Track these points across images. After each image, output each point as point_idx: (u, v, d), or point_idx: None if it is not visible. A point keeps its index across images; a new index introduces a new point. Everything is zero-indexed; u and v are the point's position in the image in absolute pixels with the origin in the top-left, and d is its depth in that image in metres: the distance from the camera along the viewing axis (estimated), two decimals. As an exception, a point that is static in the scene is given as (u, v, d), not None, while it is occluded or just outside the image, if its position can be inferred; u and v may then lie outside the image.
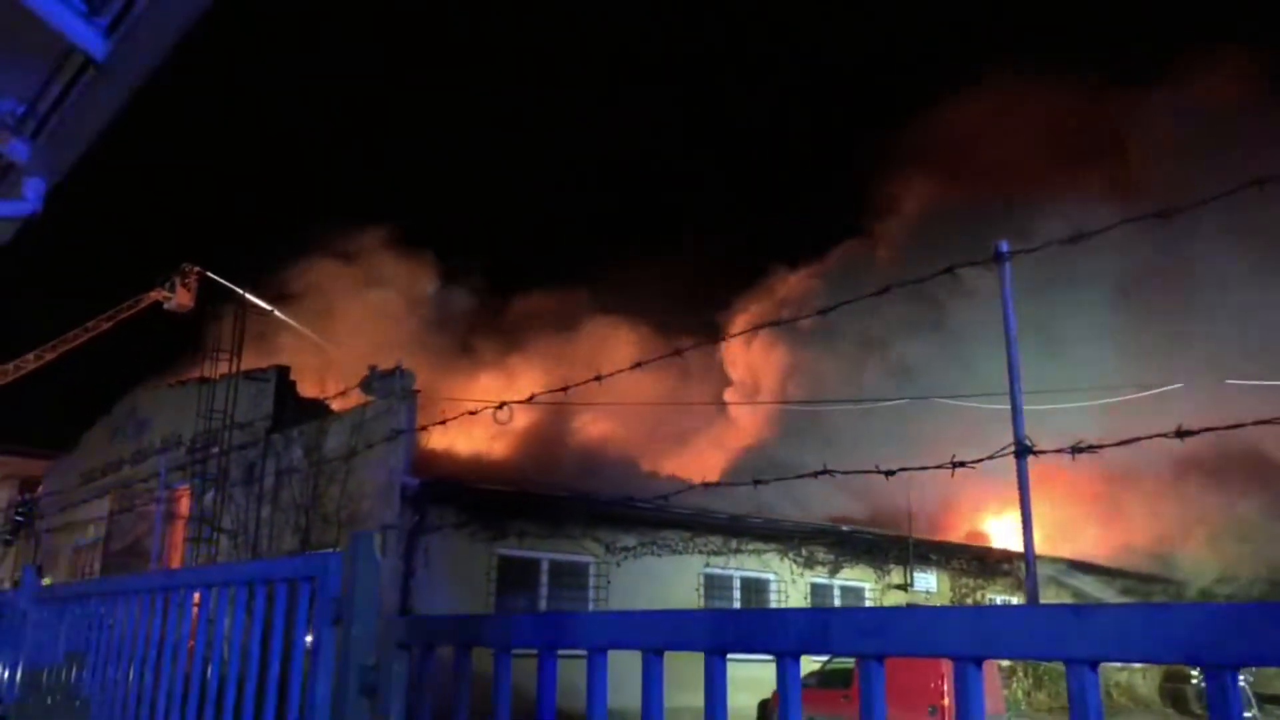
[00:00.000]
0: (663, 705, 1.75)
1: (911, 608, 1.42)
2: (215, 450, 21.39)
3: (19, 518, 34.83)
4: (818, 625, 1.50)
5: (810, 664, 18.71)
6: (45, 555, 31.42)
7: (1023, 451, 6.94)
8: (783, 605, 22.05)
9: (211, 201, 68.55)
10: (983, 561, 26.09)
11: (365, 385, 17.23)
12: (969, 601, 26.04)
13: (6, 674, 4.59)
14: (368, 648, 2.53)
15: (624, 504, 19.05)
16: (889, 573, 24.06)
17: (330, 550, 3.95)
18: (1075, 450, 6.37)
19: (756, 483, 7.17)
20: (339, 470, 17.65)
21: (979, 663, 1.34)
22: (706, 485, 7.87)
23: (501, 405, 13.95)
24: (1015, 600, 28.03)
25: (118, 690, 3.79)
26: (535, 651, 2.00)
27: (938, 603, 24.11)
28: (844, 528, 22.91)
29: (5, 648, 4.51)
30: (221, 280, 34.52)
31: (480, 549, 17.71)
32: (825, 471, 6.75)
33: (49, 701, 4.35)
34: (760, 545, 21.82)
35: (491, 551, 17.90)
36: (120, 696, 3.77)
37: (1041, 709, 25.38)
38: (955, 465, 6.48)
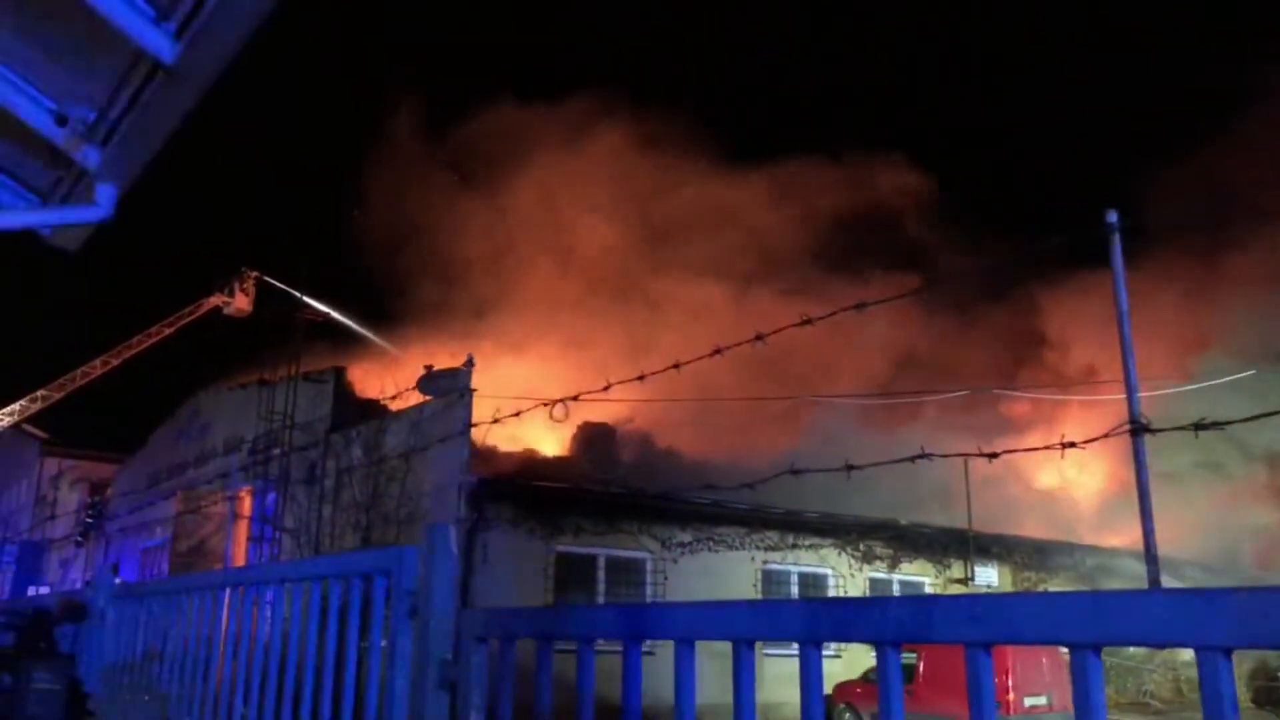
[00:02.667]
0: (755, 698, 1.72)
1: (1024, 593, 1.36)
2: (276, 451, 21.76)
3: (89, 520, 35.78)
4: (920, 613, 1.45)
5: (867, 659, 18.51)
6: (115, 556, 32.23)
7: (1139, 430, 6.47)
8: (841, 600, 21.83)
9: (274, 203, 69.65)
10: (1044, 553, 25.61)
11: (422, 384, 17.40)
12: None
13: (88, 672, 4.69)
14: (446, 641, 2.53)
15: (680, 500, 19.02)
16: (949, 567, 23.73)
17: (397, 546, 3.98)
18: (1199, 427, 5.98)
19: (850, 468, 7.01)
20: (398, 469, 17.85)
21: (1098, 650, 1.28)
22: (796, 473, 7.62)
23: (555, 403, 13.96)
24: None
25: (196, 686, 3.85)
26: (611, 646, 1.99)
27: (1000, 597, 23.69)
28: (902, 521, 22.62)
29: (86, 646, 4.61)
30: (279, 284, 35.08)
31: (538, 545, 17.80)
32: (924, 455, 6.54)
33: (129, 699, 4.44)
34: (818, 540, 21.65)
35: (549, 548, 17.98)
36: (199, 692, 3.83)
37: (1108, 704, 24.79)
38: (1065, 446, 6.19)
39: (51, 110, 4.16)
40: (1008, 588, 24.61)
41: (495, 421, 13.63)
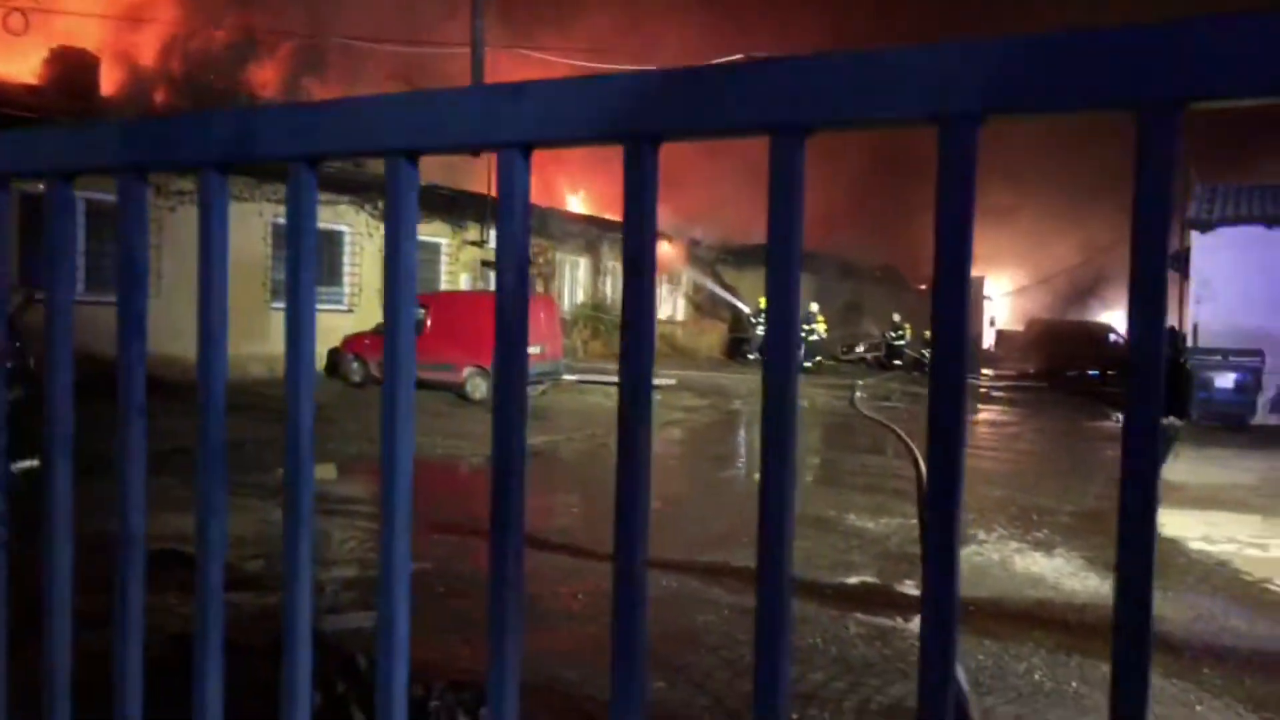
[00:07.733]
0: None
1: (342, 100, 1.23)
2: None
3: None
4: (245, 129, 1.27)
5: (378, 315, 18.96)
6: None
7: None
8: (358, 259, 21.81)
9: None
10: (555, 223, 27.39)
11: None
12: (540, 260, 27.55)
13: None
14: None
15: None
16: (466, 229, 24.52)
17: None
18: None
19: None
20: None
21: (413, 158, 1.21)
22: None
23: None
24: (584, 260, 30.15)
25: None
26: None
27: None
28: (421, 182, 22.61)
29: None
30: None
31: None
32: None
33: None
34: (334, 196, 21.00)
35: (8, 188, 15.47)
36: None
37: (596, 356, 28.22)
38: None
39: None
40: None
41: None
